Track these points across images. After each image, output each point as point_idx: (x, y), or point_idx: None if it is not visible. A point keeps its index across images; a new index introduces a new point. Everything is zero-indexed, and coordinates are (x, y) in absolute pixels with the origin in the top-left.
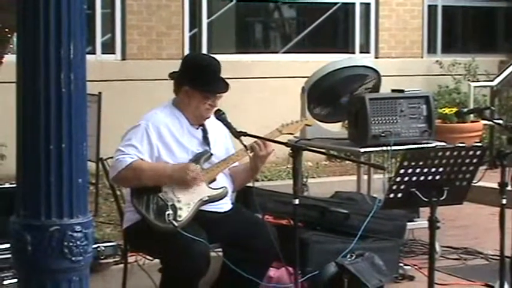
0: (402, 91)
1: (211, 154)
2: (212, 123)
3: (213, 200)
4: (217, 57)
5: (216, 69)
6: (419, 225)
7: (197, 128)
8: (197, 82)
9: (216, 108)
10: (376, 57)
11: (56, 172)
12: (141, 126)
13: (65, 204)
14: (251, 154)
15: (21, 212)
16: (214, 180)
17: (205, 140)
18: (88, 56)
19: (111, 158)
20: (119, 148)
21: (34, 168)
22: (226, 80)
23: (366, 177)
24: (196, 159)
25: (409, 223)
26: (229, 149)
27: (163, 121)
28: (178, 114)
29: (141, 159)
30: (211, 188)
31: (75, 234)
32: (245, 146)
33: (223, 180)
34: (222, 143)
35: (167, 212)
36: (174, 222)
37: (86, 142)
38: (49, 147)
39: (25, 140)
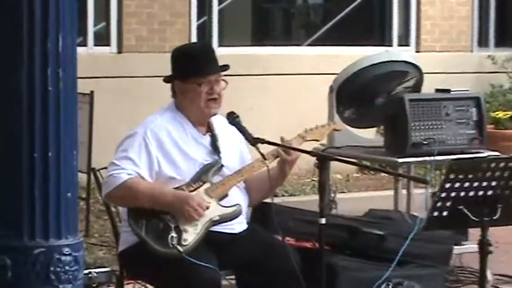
0: (448, 91)
1: (222, 165)
2: (223, 128)
3: (224, 220)
4: (230, 50)
5: (206, 52)
6: (467, 249)
7: (204, 134)
8: (185, 70)
9: (229, 111)
10: (418, 51)
11: (41, 185)
12: (138, 135)
13: (51, 223)
14: (270, 164)
15: None
16: (226, 196)
17: (215, 148)
18: (78, 49)
19: (105, 168)
20: (113, 161)
21: (15, 180)
22: (226, 65)
23: (404, 192)
24: (205, 171)
25: (455, 247)
26: (245, 156)
27: (163, 127)
28: (181, 119)
29: (139, 174)
30: (222, 205)
31: (63, 257)
32: (262, 154)
33: (236, 196)
34: (235, 152)
35: (170, 235)
36: (178, 246)
37: (76, 150)
38: (33, 156)
39: (5, 147)
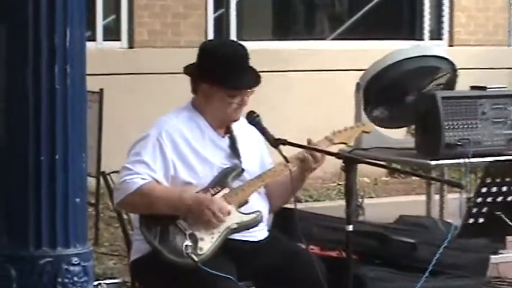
0: (484, 88)
1: (243, 169)
2: (242, 129)
3: (243, 228)
4: (249, 45)
5: (242, 59)
6: (505, 258)
7: (223, 137)
8: (218, 77)
9: (249, 110)
10: (451, 45)
11: (47, 190)
12: (152, 137)
13: (58, 231)
14: (293, 168)
15: (3, 240)
16: (246, 202)
17: (234, 151)
18: (87, 44)
19: (116, 172)
20: (125, 165)
21: (20, 185)
22: (259, 73)
23: (437, 197)
24: (224, 176)
25: (492, 256)
26: (265, 159)
27: (179, 129)
28: (198, 119)
29: (154, 178)
30: (241, 212)
31: (71, 268)
32: (285, 157)
33: (257, 202)
34: (255, 154)
35: (185, 244)
36: (193, 256)
37: (84, 152)
38: (39, 159)
39: (10, 150)
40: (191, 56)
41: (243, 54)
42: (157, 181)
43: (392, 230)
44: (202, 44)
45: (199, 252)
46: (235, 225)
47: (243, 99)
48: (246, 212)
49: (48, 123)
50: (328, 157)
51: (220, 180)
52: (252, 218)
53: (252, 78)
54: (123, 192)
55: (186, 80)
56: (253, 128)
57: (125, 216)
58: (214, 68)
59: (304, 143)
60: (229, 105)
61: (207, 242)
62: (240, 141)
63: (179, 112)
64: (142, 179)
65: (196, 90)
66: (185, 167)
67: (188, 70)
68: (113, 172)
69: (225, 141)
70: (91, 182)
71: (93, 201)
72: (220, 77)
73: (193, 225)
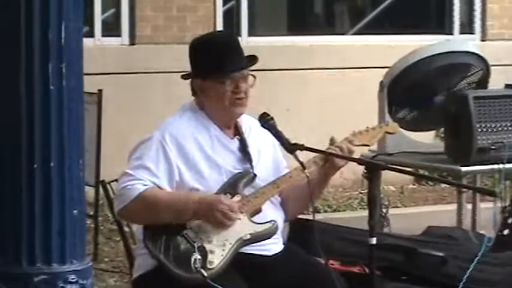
0: None
1: (255, 175)
2: (253, 131)
3: (257, 239)
4: (262, 40)
5: (229, 44)
6: None
7: (232, 138)
8: (205, 67)
9: (262, 112)
10: (483, 40)
11: (41, 201)
12: (155, 139)
13: (54, 245)
14: (311, 171)
15: None
16: (259, 211)
17: (245, 154)
18: (84, 40)
19: (116, 180)
20: (126, 171)
21: (12, 195)
22: (254, 56)
23: (469, 206)
24: (234, 182)
25: None
26: (280, 165)
27: (184, 130)
28: (204, 120)
29: (157, 185)
30: (254, 222)
31: (68, 286)
32: (302, 163)
33: (271, 211)
34: (268, 159)
35: (193, 257)
36: (202, 270)
37: (82, 159)
38: (32, 167)
39: (0, 157)
40: None
41: (229, 38)
42: (161, 188)
43: (420, 242)
44: (191, 41)
45: (209, 266)
46: (249, 236)
47: (238, 85)
48: (259, 222)
49: (42, 127)
50: (349, 163)
51: (231, 187)
52: (266, 228)
53: (242, 60)
54: (124, 199)
55: None
56: (266, 131)
57: (126, 229)
58: (199, 59)
59: (322, 148)
60: (224, 94)
61: (217, 256)
62: (251, 144)
63: (183, 112)
64: (144, 185)
65: (195, 91)
66: (191, 171)
67: (185, 76)
68: (113, 181)
69: (235, 143)
70: (89, 191)
71: (91, 212)
72: (206, 65)
73: (202, 236)
